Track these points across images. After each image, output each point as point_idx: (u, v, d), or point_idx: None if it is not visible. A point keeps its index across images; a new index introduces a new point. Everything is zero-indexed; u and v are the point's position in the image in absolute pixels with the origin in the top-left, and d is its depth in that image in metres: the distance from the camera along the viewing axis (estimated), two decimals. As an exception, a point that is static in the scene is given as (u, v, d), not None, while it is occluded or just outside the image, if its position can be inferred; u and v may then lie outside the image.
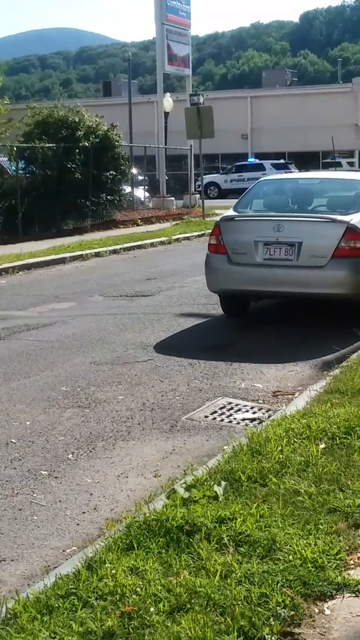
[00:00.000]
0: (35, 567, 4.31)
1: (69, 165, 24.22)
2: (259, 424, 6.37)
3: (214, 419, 6.75)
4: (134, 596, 3.62)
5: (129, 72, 40.86)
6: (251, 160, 55.67)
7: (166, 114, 35.43)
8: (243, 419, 6.70)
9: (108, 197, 26.50)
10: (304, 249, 9.88)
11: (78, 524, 4.84)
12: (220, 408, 7.02)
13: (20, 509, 5.07)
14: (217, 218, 12.00)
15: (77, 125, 24.93)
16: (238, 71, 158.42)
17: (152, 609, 3.51)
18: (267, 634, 3.31)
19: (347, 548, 4.02)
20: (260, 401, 7.26)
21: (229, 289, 10.68)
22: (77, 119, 25.11)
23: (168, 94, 36.53)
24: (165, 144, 35.67)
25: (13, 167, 24.13)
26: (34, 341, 9.94)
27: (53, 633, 3.35)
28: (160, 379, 8.03)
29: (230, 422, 6.67)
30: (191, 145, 35.22)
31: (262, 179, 13.62)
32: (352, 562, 3.93)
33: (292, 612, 3.48)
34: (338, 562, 3.89)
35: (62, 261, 18.46)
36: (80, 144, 24.71)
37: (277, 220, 10.22)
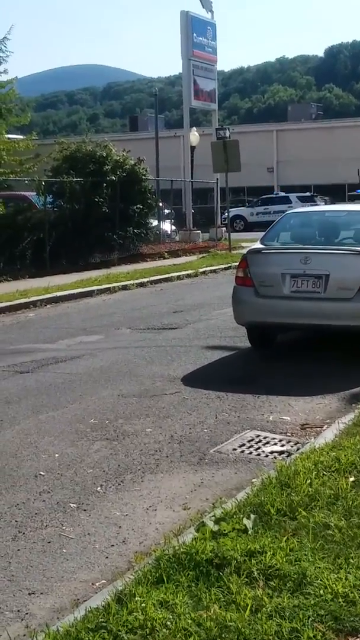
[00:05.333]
0: (64, 600, 4.30)
1: (96, 199, 24.45)
2: (287, 457, 6.35)
3: (242, 451, 6.73)
4: (164, 630, 3.61)
5: (155, 106, 41.21)
6: (277, 193, 55.79)
7: (192, 148, 35.71)
8: (271, 452, 6.68)
9: (135, 230, 26.69)
10: (331, 281, 9.88)
11: (107, 557, 4.83)
12: (249, 441, 7.00)
13: (49, 542, 5.08)
14: (244, 251, 12.04)
15: (104, 160, 25.21)
16: (264, 105, 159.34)
17: (182, 643, 3.49)
18: (298, 670, 3.29)
19: (378, 583, 3.98)
20: (288, 434, 7.23)
21: (256, 321, 10.68)
22: (104, 154, 25.40)
23: (194, 128, 36.86)
24: (192, 178, 35.91)
25: (41, 202, 24.41)
26: (62, 374, 9.98)
27: (83, 667, 3.34)
28: (188, 411, 8.04)
29: (258, 455, 6.64)
30: (217, 179, 35.41)
31: (289, 211, 13.65)
32: (383, 596, 3.89)
33: (323, 647, 3.45)
34: (369, 597, 3.85)
35: (89, 294, 18.56)
36: (108, 178, 24.97)
37: (305, 252, 10.24)
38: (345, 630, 3.61)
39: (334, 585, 3.91)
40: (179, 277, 22.02)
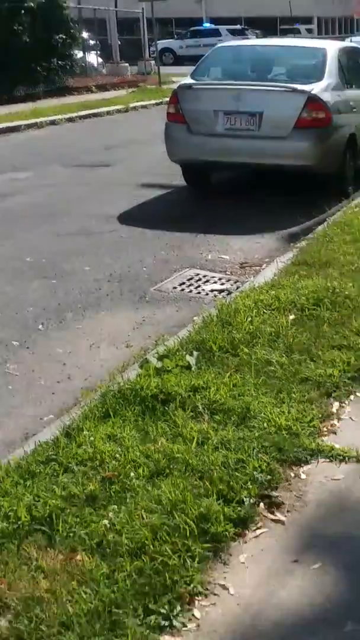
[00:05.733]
0: (13, 435, 4.36)
1: (15, 28, 23.21)
2: (227, 295, 6.41)
3: (182, 290, 6.78)
4: (114, 462, 3.69)
5: None
6: (207, 25, 54.03)
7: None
8: (212, 290, 6.74)
9: (59, 62, 25.68)
10: (265, 119, 9.71)
11: (53, 393, 4.89)
12: (188, 279, 7.04)
13: (-7, 379, 5.10)
14: (174, 86, 11.69)
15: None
16: None
17: (132, 474, 3.59)
18: (245, 497, 3.42)
19: (319, 416, 4.13)
20: (227, 272, 7.29)
21: (189, 158, 10.49)
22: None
23: None
24: (116, 6, 34.32)
25: None
26: (-7, 211, 9.77)
27: (37, 497, 3.42)
28: (125, 250, 8.00)
29: (198, 293, 6.70)
30: (143, 8, 33.93)
31: (219, 45, 13.21)
32: (325, 429, 4.04)
33: (268, 477, 3.58)
34: (312, 429, 3.99)
35: (16, 129, 17.98)
36: (26, 5, 23.60)
37: (237, 89, 9.98)
38: (288, 460, 3.74)
39: (277, 418, 4.03)
40: (108, 112, 21.44)
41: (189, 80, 10.85)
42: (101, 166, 12.93)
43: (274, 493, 3.51)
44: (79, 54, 28.71)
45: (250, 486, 3.49)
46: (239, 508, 3.35)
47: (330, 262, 6.62)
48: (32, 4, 23.76)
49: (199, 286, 6.87)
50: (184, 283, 6.95)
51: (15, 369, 5.24)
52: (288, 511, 3.41)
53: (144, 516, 3.28)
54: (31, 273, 7.27)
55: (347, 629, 2.75)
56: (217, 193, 10.82)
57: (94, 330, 5.87)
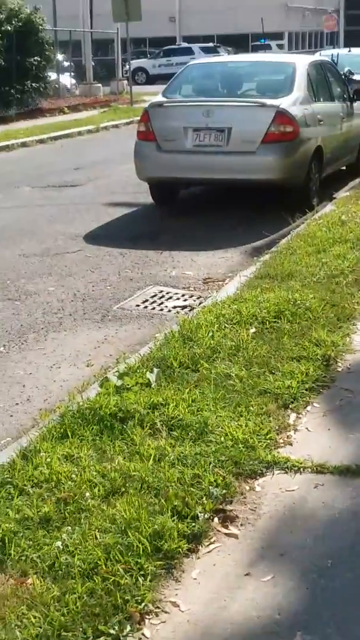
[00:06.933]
0: (-31, 458, 4.32)
1: (-10, 51, 23.35)
2: (190, 311, 6.41)
3: (146, 307, 6.77)
4: (70, 482, 3.67)
5: None
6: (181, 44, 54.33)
7: (91, -4, 34.18)
8: (174, 307, 6.73)
9: (33, 84, 25.74)
10: (234, 134, 9.77)
11: (11, 415, 4.86)
12: (152, 297, 7.04)
13: None
14: (146, 105, 11.75)
15: (-3, 8, 23.94)
16: None
17: (87, 494, 3.57)
18: (200, 512, 3.41)
19: (276, 428, 4.13)
20: (191, 288, 7.29)
21: (158, 176, 10.53)
22: (-3, 1, 24.11)
23: (92, -26, 35.16)
24: (91, 28, 34.50)
25: None
26: None
27: (-11, 520, 3.39)
28: (90, 269, 7.99)
29: (161, 310, 6.69)
30: (117, 29, 34.10)
31: (190, 62, 13.31)
32: (281, 441, 4.04)
33: (224, 491, 3.58)
34: (268, 441, 3.99)
35: (-14, 152, 17.96)
36: (2, 28, 23.75)
37: (207, 105, 10.06)
38: (244, 473, 3.74)
39: (234, 432, 4.03)
40: (79, 133, 21.45)
41: (160, 98, 10.91)
42: (69, 186, 12.93)
43: (229, 507, 3.51)
44: (52, 76, 28.78)
45: (205, 501, 3.48)
46: (193, 524, 3.34)
47: (292, 274, 6.64)
48: (9, 28, 23.84)
49: (162, 303, 6.86)
50: (147, 300, 6.94)
51: (-26, 391, 5.20)
52: (242, 525, 3.40)
53: (98, 536, 3.26)
54: (-5, 295, 7.24)
55: (296, 640, 2.74)
56: (184, 210, 10.84)
57: (55, 350, 5.85)
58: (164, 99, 10.77)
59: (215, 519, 3.42)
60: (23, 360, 5.69)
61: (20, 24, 24.57)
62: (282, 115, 9.68)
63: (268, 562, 3.15)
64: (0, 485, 3.69)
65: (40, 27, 25.88)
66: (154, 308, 6.74)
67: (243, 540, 3.30)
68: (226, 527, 3.39)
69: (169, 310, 6.65)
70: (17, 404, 5.01)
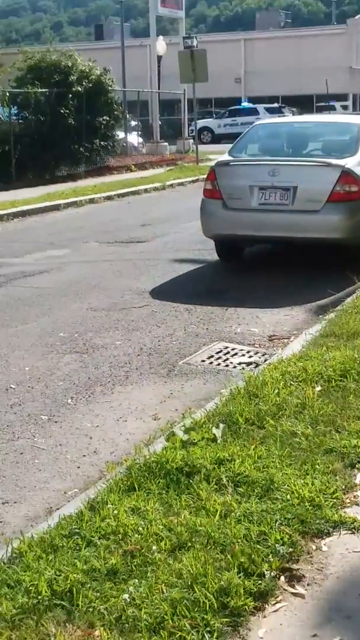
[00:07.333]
0: (37, 509, 4.39)
1: (62, 111, 23.98)
2: (255, 367, 6.43)
3: (211, 363, 6.82)
4: (136, 535, 3.70)
5: (121, 14, 40.18)
6: (245, 104, 55.09)
7: (159, 58, 34.98)
8: (240, 363, 6.77)
9: (101, 143, 26.31)
10: (299, 193, 9.87)
11: (79, 467, 4.92)
12: (217, 352, 7.08)
13: (21, 453, 5.15)
14: (211, 163, 11.95)
15: (70, 70, 24.64)
16: (231, 13, 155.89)
17: (154, 547, 3.59)
18: (266, 570, 3.40)
19: (343, 487, 4.11)
20: (256, 345, 7.32)
21: (224, 233, 10.67)
22: (70, 64, 24.81)
23: (161, 37, 36.01)
24: (159, 89, 35.26)
25: (5, 113, 23.91)
26: (30, 288, 9.96)
27: (58, 571, 3.43)
28: (157, 324, 8.08)
29: (227, 366, 6.73)
30: (184, 90, 34.78)
31: (257, 122, 13.52)
32: (348, 500, 4.02)
33: (290, 549, 3.56)
34: (335, 500, 3.97)
35: (56, 208, 18.37)
36: (74, 89, 24.45)
37: (273, 164, 10.19)
38: (311, 532, 3.72)
39: (301, 490, 4.02)
40: (146, 190, 21.82)
41: (226, 157, 11.10)
42: (136, 242, 13.15)
43: (295, 566, 3.49)
44: (120, 135, 29.41)
45: (272, 559, 3.47)
46: (259, 581, 3.33)
47: (358, 332, 6.64)
48: (79, 89, 24.52)
49: (227, 359, 6.90)
50: (212, 356, 6.99)
51: (43, 442, 5.28)
52: (308, 584, 3.38)
53: (164, 590, 3.27)
54: (64, 348, 7.37)
55: None
56: (249, 267, 10.93)
57: (121, 404, 5.92)
58: (231, 158, 10.95)
59: (282, 578, 3.41)
60: (90, 413, 5.77)
61: (90, 84, 25.25)
62: (347, 175, 9.76)
63: (335, 625, 3.12)
64: (69, 535, 3.73)
65: (109, 87, 26.54)
66: (219, 364, 6.78)
67: (310, 601, 3.28)
68: (293, 587, 3.37)
69: (235, 367, 6.69)
70: (84, 455, 5.08)
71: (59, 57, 25.08)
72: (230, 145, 11.67)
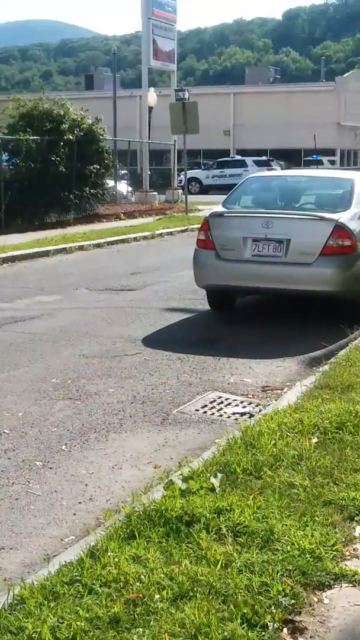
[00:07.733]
0: (34, 555, 4.36)
1: (53, 158, 24.20)
2: (249, 418, 6.46)
3: (205, 412, 6.83)
4: (138, 584, 3.68)
5: (113, 65, 40.81)
6: (237, 157, 55.73)
7: (150, 109, 35.43)
8: (234, 413, 6.78)
9: (91, 190, 26.54)
10: (293, 246, 9.97)
11: (75, 514, 4.90)
12: (211, 402, 7.10)
13: (16, 499, 5.12)
14: (200, 214, 12.12)
15: (61, 119, 24.93)
16: (220, 67, 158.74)
17: (156, 596, 3.57)
18: (269, 622, 3.39)
19: (343, 540, 4.11)
20: (249, 396, 7.34)
21: (216, 284, 10.76)
22: (62, 112, 25.13)
23: (152, 89, 36.54)
24: (149, 139, 35.66)
25: (-3, 159, 24.09)
26: (21, 333, 9.96)
27: (61, 618, 3.41)
28: (149, 372, 8.10)
29: (221, 415, 6.74)
30: (175, 141, 35.22)
31: (251, 175, 13.69)
32: (348, 553, 4.02)
33: (292, 601, 3.56)
34: (335, 553, 3.98)
35: (46, 254, 18.45)
36: (65, 137, 24.71)
37: (267, 217, 10.31)
38: (312, 584, 3.72)
39: (301, 541, 4.02)
40: (135, 239, 21.97)
41: (220, 208, 11.22)
42: (127, 290, 13.21)
43: (298, 618, 3.48)
44: (110, 183, 29.67)
45: (274, 610, 3.47)
46: (262, 632, 3.32)
47: (352, 385, 6.68)
48: (71, 137, 24.79)
49: (221, 409, 6.91)
50: (206, 405, 7.00)
51: (38, 488, 5.26)
52: (311, 637, 3.37)
53: (168, 640, 3.26)
54: (57, 394, 7.36)
55: None
56: (241, 318, 11.00)
57: (116, 451, 5.91)
58: (225, 209, 11.08)
59: (285, 629, 3.40)
60: (85, 460, 5.76)
61: (82, 133, 25.54)
62: (340, 230, 9.88)
63: None
64: (70, 582, 3.71)
65: (100, 136, 26.85)
66: (213, 413, 6.79)
67: (313, 653, 3.27)
68: (295, 639, 3.36)
69: (229, 417, 6.70)
70: (79, 502, 5.06)
71: (51, 106, 25.39)
72: (220, 197, 11.78)
